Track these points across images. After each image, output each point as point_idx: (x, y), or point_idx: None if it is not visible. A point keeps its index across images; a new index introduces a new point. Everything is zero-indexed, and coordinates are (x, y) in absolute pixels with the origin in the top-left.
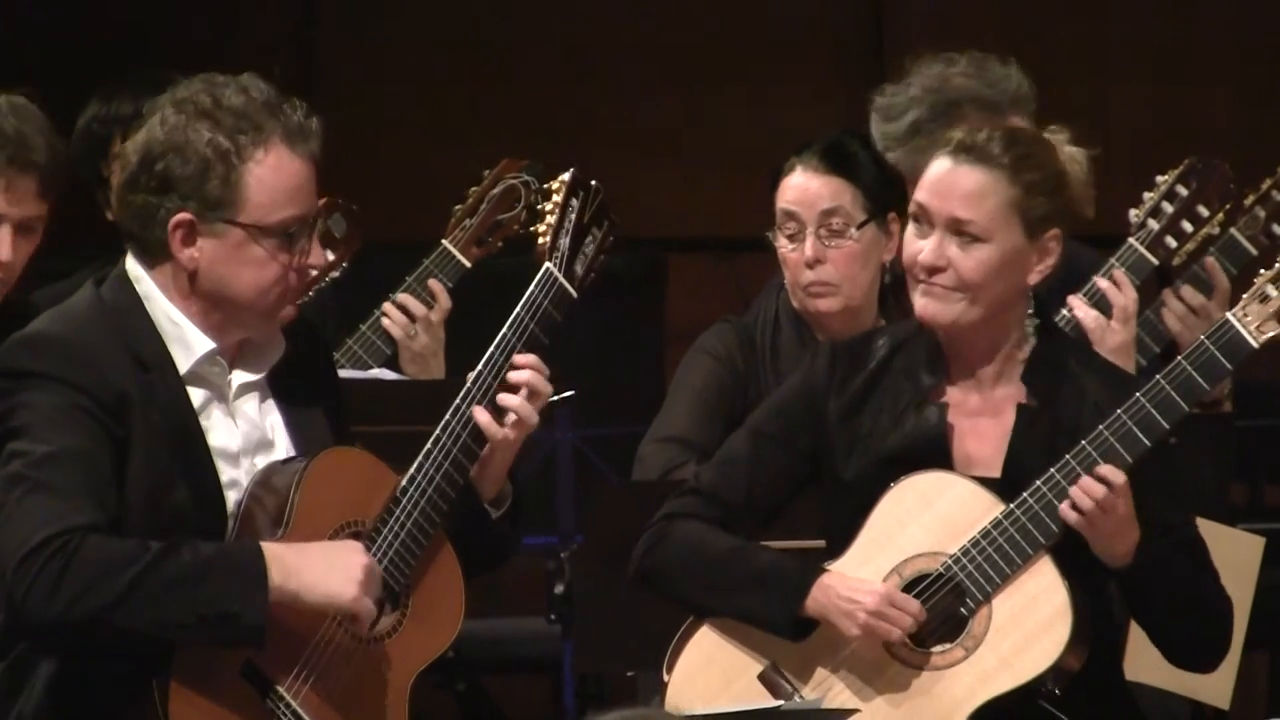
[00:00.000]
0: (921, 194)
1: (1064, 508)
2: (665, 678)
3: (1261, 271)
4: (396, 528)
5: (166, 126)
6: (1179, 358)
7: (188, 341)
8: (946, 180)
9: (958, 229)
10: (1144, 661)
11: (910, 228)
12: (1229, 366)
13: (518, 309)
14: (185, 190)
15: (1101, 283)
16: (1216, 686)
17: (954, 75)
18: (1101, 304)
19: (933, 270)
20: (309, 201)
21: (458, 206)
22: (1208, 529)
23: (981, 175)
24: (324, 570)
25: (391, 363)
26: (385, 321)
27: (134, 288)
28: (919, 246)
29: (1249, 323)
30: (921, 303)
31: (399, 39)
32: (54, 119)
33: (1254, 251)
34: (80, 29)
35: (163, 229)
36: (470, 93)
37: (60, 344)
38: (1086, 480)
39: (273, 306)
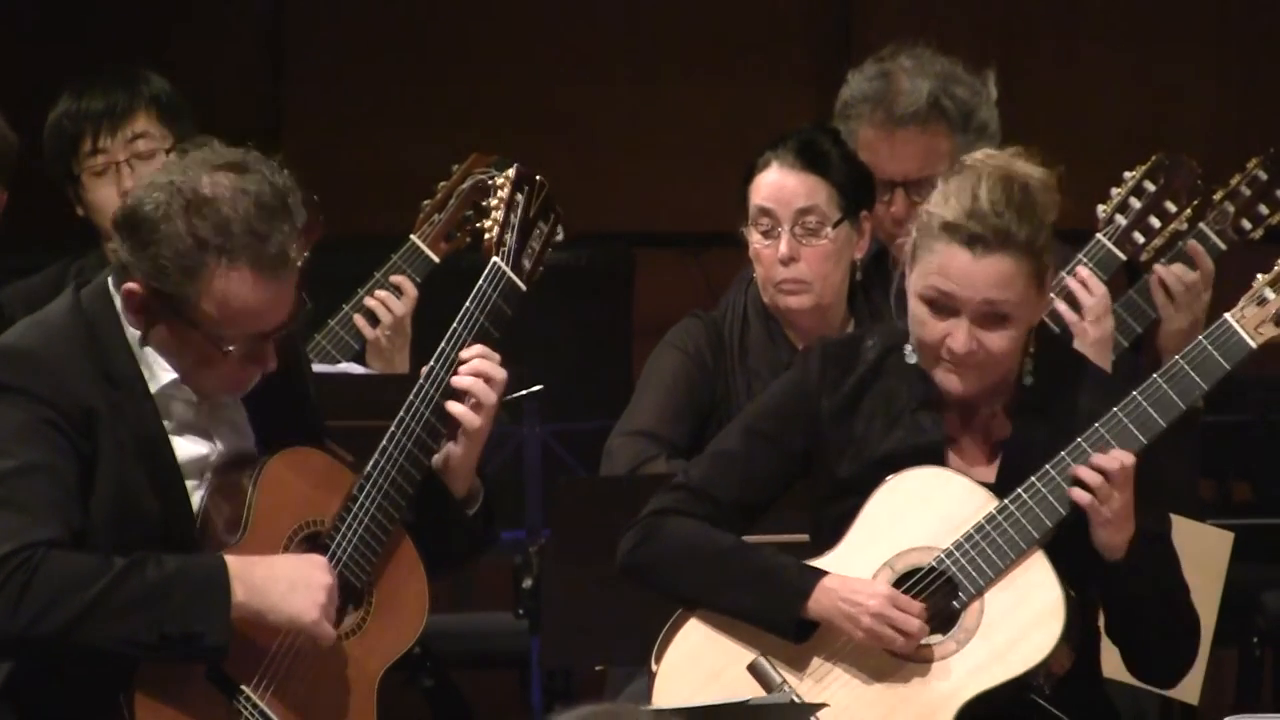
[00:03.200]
0: (942, 283)
1: (1076, 489)
2: (654, 668)
3: (1259, 275)
4: (355, 525)
5: (157, 199)
6: (1176, 357)
7: (152, 368)
8: (971, 274)
9: (988, 311)
10: (1114, 658)
11: (921, 308)
12: (1226, 366)
13: (467, 303)
14: (145, 273)
15: (1071, 282)
16: (1185, 682)
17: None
18: (1070, 301)
19: (968, 357)
20: (267, 323)
21: (426, 202)
22: (1177, 525)
23: (1006, 262)
24: (287, 590)
25: (359, 358)
26: (359, 320)
27: (111, 302)
28: (941, 330)
29: (1247, 324)
30: (949, 379)
31: (367, 33)
32: (23, 114)
33: (1222, 246)
34: (49, 23)
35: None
36: (438, 88)
37: (29, 358)
38: (1098, 457)
39: (212, 390)
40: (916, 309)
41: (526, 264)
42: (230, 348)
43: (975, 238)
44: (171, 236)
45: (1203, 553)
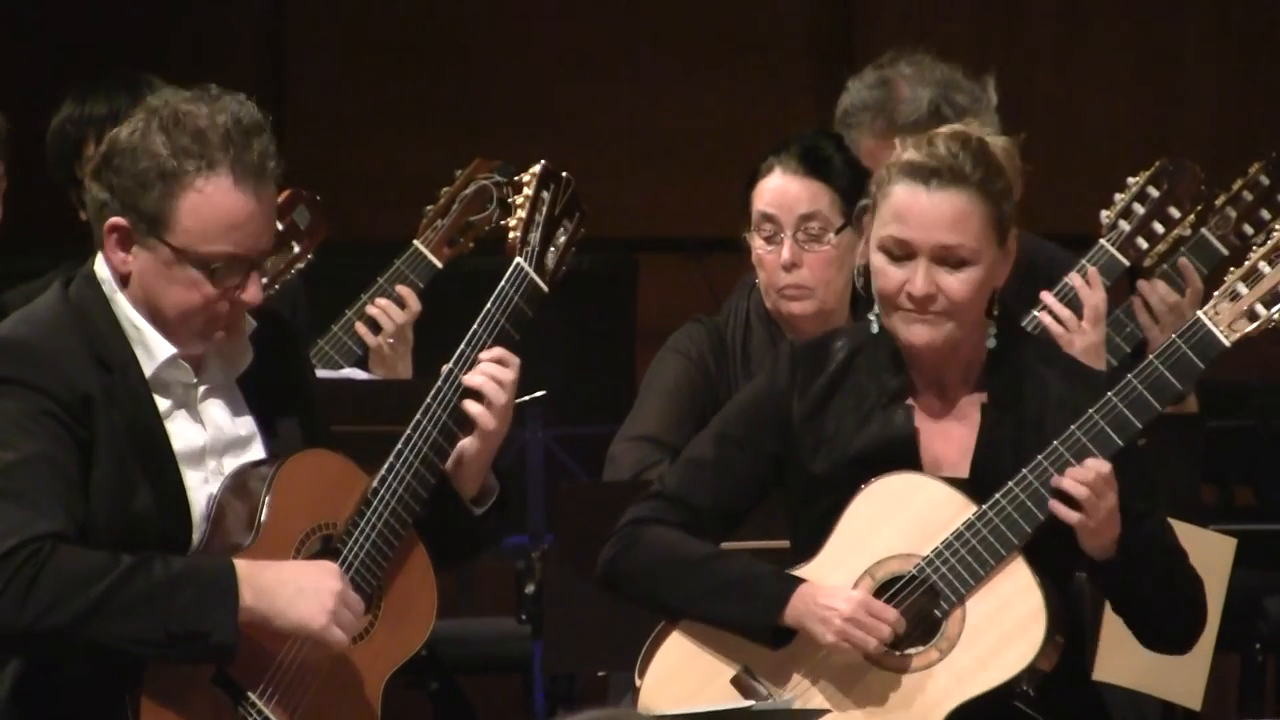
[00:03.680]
0: (898, 229)
1: (1056, 504)
2: (638, 682)
3: (1232, 270)
4: (368, 529)
5: (131, 128)
6: (1150, 357)
7: (148, 345)
8: (926, 209)
9: (944, 255)
10: (1115, 662)
11: (880, 257)
12: (1201, 365)
13: (489, 304)
14: (124, 198)
15: (1075, 279)
16: (1188, 687)
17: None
18: (1073, 302)
19: (926, 300)
20: (247, 241)
21: (429, 207)
22: (1179, 530)
23: (960, 198)
24: (295, 595)
25: (363, 363)
26: (360, 328)
27: (100, 288)
28: (900, 277)
29: (1220, 321)
30: (913, 330)
31: (367, 34)
32: (25, 119)
33: (1225, 251)
34: (50, 28)
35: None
36: (442, 92)
37: (24, 348)
38: (1078, 469)
39: (201, 330)
40: (876, 261)
41: (550, 263)
42: (215, 267)
43: (931, 172)
44: (150, 150)
45: (1205, 558)
